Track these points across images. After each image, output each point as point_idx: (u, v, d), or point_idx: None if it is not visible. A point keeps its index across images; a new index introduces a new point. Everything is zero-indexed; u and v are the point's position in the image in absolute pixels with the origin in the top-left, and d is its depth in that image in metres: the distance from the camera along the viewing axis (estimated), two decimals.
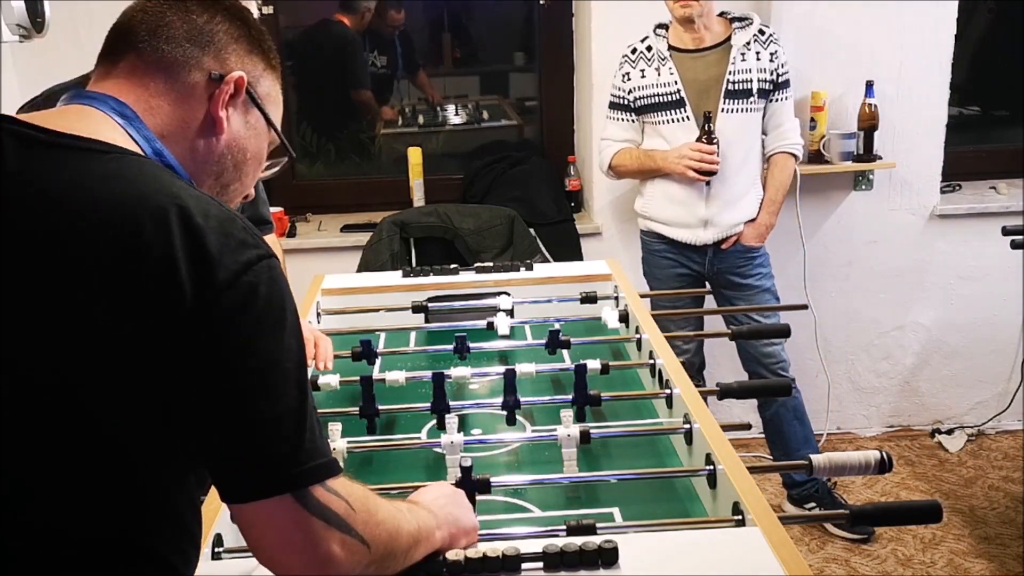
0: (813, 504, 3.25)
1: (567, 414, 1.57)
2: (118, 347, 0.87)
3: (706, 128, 2.92)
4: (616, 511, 1.45)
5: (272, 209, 3.56)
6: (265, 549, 0.92)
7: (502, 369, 1.77)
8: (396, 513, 1.04)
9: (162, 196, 0.90)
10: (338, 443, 1.54)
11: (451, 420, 1.57)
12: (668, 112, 2.99)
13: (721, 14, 3.03)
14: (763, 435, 3.40)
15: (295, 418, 0.92)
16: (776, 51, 2.98)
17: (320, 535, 0.91)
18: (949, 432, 3.83)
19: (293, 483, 0.91)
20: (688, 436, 1.58)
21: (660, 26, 3.05)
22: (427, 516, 1.12)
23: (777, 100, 3.02)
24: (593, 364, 1.80)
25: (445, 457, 1.54)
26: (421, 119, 4.09)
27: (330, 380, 1.87)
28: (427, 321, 2.32)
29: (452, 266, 2.52)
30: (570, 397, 1.73)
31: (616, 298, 2.30)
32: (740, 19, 3.01)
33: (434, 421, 1.72)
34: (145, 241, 0.87)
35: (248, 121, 1.10)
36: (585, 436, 1.54)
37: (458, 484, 1.35)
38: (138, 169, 0.94)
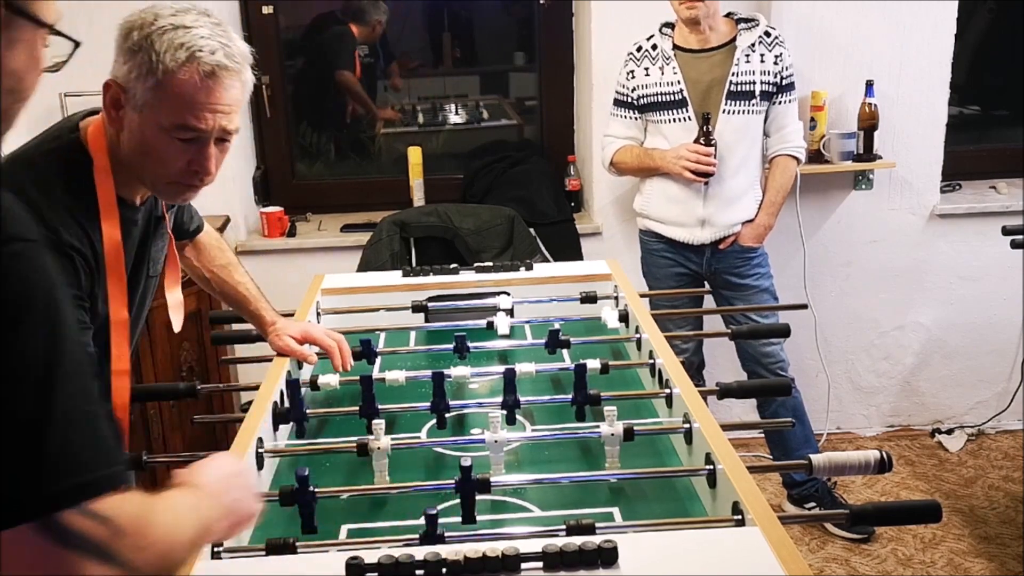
0: (813, 504, 3.25)
1: (611, 411, 1.57)
2: None
3: (704, 129, 2.92)
4: (616, 511, 1.45)
5: (272, 209, 3.59)
6: None
7: (502, 369, 1.77)
8: (175, 525, 0.93)
9: None
10: (382, 440, 1.54)
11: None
12: (670, 111, 2.99)
13: (728, 15, 3.03)
14: (763, 435, 3.40)
15: (31, 431, 0.77)
16: (781, 53, 2.97)
17: (73, 569, 0.78)
18: (949, 432, 3.83)
19: (32, 511, 0.77)
20: (688, 436, 1.58)
21: (666, 25, 3.05)
22: (211, 510, 1.02)
23: (781, 103, 3.01)
24: (593, 364, 1.80)
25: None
26: (421, 119, 4.09)
27: (330, 380, 1.87)
28: (427, 321, 2.32)
29: (452, 266, 2.52)
30: (570, 397, 1.73)
31: (616, 298, 2.30)
32: (746, 20, 3.00)
33: (434, 420, 1.72)
34: None
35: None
36: (629, 433, 1.54)
37: (458, 484, 1.36)
38: None
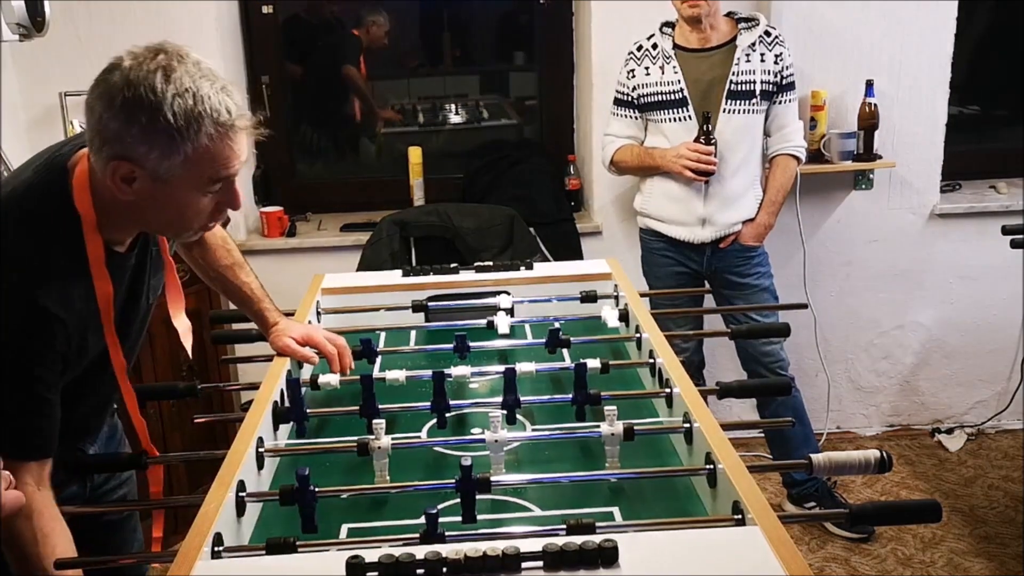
0: (813, 503, 3.25)
1: (611, 410, 1.57)
2: None
3: (704, 128, 2.92)
4: (616, 511, 1.45)
5: (272, 208, 3.59)
6: None
7: (502, 368, 1.77)
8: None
9: None
10: (382, 440, 1.54)
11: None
12: (670, 111, 2.99)
13: (728, 14, 3.03)
14: (763, 434, 3.40)
15: None
16: (781, 53, 2.97)
17: None
18: (949, 431, 3.83)
19: None
20: (688, 435, 1.58)
21: (666, 24, 3.05)
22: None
23: (781, 102, 3.02)
24: (593, 363, 1.80)
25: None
26: (421, 119, 4.09)
27: (330, 380, 1.87)
28: (427, 320, 2.32)
29: (452, 265, 2.51)
30: (570, 396, 1.73)
31: (616, 297, 2.30)
32: (747, 20, 3.01)
33: (434, 420, 1.72)
34: None
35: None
36: (629, 433, 1.54)
37: (458, 484, 1.36)
38: None
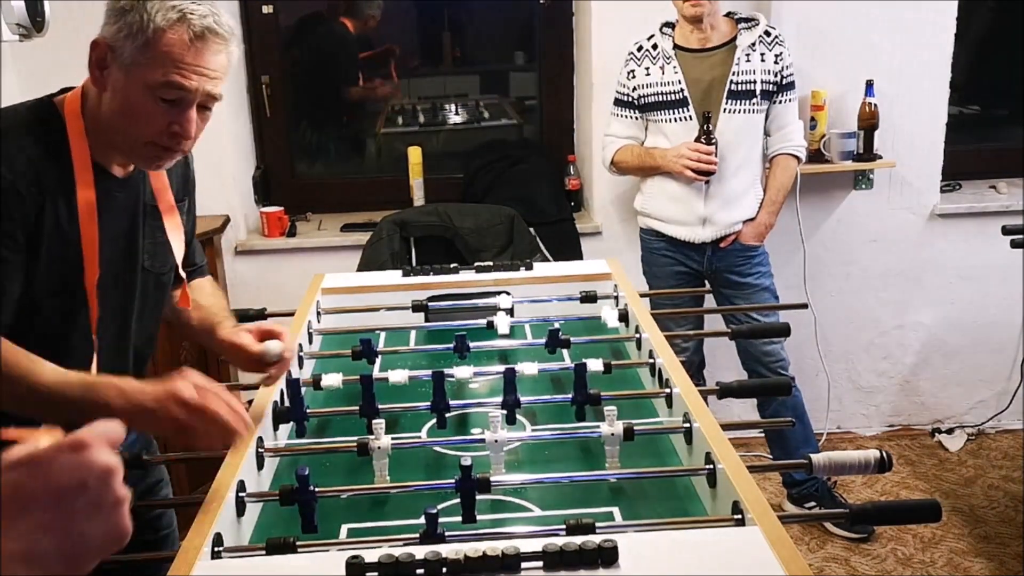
0: (813, 503, 3.26)
1: (611, 410, 1.57)
2: None
3: (705, 128, 2.92)
4: (616, 511, 1.45)
5: (272, 208, 3.59)
6: None
7: (502, 368, 1.77)
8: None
9: None
10: (382, 440, 1.54)
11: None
12: (671, 111, 2.99)
13: (728, 14, 3.03)
14: (763, 434, 3.40)
15: None
16: (781, 52, 2.97)
17: None
18: (949, 431, 3.83)
19: None
20: (688, 435, 1.58)
21: (666, 24, 3.05)
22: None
23: (781, 102, 3.02)
24: (595, 364, 1.80)
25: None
26: (421, 118, 4.09)
27: (331, 379, 1.87)
28: (427, 320, 2.32)
29: (452, 265, 2.51)
30: (570, 396, 1.73)
31: (616, 297, 2.30)
32: (747, 20, 3.01)
33: (434, 420, 1.72)
34: None
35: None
36: (629, 433, 1.54)
37: (458, 484, 1.36)
38: None
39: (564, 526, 1.26)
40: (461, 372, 1.87)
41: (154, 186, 1.63)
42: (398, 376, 1.85)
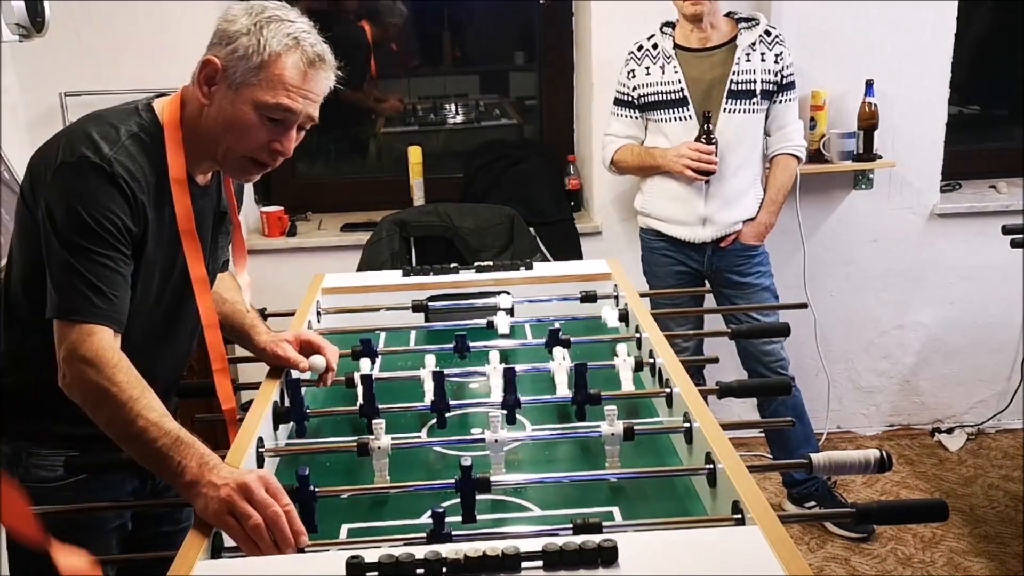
0: (813, 503, 3.26)
1: (611, 410, 1.57)
2: None
3: (705, 128, 2.92)
4: (616, 510, 1.45)
5: (272, 208, 3.59)
6: None
7: (502, 368, 1.77)
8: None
9: None
10: (382, 440, 1.54)
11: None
12: (671, 110, 2.99)
13: (728, 14, 3.03)
14: (763, 434, 3.40)
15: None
16: (781, 52, 2.97)
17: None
18: (949, 431, 3.83)
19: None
20: (688, 435, 1.58)
21: (667, 24, 3.05)
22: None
23: (781, 101, 3.02)
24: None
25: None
26: (421, 117, 4.09)
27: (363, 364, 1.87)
28: (427, 320, 2.32)
29: (452, 265, 2.51)
30: (570, 396, 1.73)
31: (616, 297, 2.30)
32: (747, 19, 3.01)
33: (434, 420, 1.72)
34: None
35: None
36: (629, 433, 1.54)
37: (458, 484, 1.36)
38: None
39: (565, 526, 1.26)
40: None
41: (226, 194, 1.75)
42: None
